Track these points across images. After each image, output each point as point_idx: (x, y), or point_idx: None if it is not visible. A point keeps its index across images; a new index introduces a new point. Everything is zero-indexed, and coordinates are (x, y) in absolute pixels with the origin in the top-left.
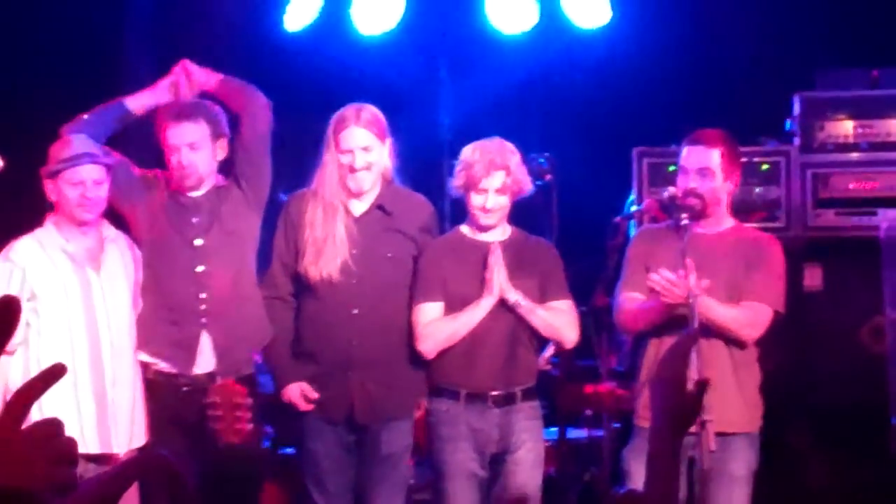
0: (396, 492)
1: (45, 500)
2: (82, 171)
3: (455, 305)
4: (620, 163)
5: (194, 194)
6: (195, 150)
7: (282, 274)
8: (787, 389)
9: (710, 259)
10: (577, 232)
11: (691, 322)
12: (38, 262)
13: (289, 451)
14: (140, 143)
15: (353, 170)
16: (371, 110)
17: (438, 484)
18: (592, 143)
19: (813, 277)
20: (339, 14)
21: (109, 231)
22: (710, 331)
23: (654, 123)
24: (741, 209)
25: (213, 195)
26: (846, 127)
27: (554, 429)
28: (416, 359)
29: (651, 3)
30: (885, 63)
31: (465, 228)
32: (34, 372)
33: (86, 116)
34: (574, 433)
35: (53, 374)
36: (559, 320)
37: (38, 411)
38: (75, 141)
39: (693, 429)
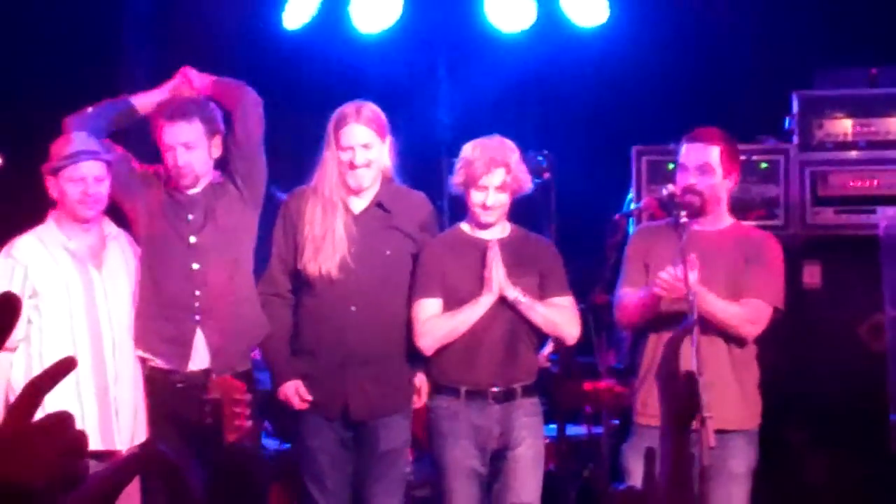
0: (394, 488)
1: (54, 494)
2: (83, 168)
3: (454, 302)
4: (619, 161)
5: (191, 192)
6: (190, 149)
7: (281, 271)
8: (787, 387)
9: (709, 256)
10: (575, 230)
11: (690, 317)
12: (39, 260)
13: (286, 447)
14: (139, 139)
15: (352, 167)
16: (372, 108)
17: (439, 481)
18: (591, 141)
19: (812, 275)
20: (338, 12)
21: (111, 228)
22: (710, 328)
23: (653, 122)
24: (740, 207)
25: (209, 192)
26: (845, 125)
27: (553, 426)
28: (413, 356)
29: (649, 1)
30: (884, 61)
31: (464, 226)
32: (36, 369)
33: (90, 109)
34: (573, 430)
35: (63, 367)
36: (559, 317)
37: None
38: (76, 138)
39: (693, 426)
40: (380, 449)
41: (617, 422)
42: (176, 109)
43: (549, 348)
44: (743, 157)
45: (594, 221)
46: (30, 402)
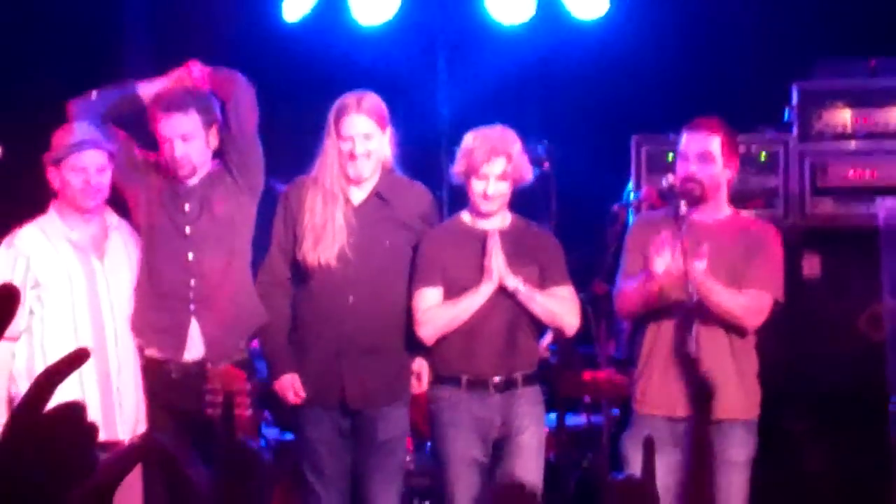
0: (392, 478)
1: (65, 483)
2: (85, 158)
3: (454, 291)
4: (619, 151)
5: (189, 182)
6: (187, 140)
7: (280, 261)
8: (786, 377)
9: (710, 246)
10: (575, 220)
11: (690, 305)
12: (42, 251)
13: (287, 436)
14: (139, 126)
15: (353, 157)
16: (372, 98)
17: (440, 470)
18: (591, 131)
19: (811, 266)
20: (338, 4)
21: (112, 219)
22: (711, 318)
23: (653, 112)
24: (739, 197)
25: (207, 182)
26: (844, 116)
27: (553, 415)
28: (410, 347)
29: None
30: (883, 52)
31: (465, 215)
32: (38, 359)
33: (94, 94)
34: (573, 419)
35: (77, 358)
36: (559, 307)
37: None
38: (78, 128)
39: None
40: (378, 438)
41: (616, 411)
42: (172, 101)
43: (548, 338)
44: (742, 148)
45: (594, 211)
46: (42, 392)
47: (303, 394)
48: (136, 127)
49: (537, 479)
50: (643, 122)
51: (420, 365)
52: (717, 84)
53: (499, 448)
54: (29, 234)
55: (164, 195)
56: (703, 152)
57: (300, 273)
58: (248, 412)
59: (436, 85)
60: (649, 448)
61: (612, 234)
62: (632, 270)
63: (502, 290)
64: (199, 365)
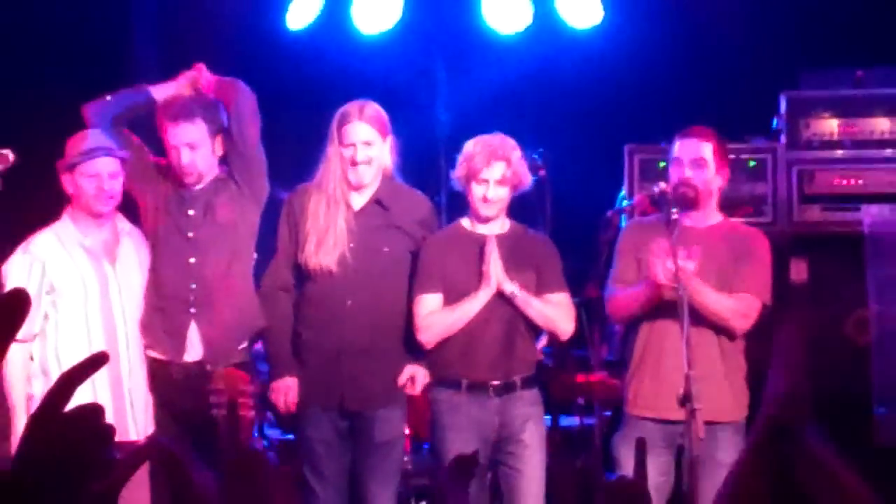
0: (390, 478)
1: (84, 481)
2: (98, 164)
3: (454, 297)
4: (612, 159)
5: (195, 188)
6: (194, 148)
7: (285, 265)
8: None
9: (701, 251)
10: (569, 226)
11: (681, 308)
12: (56, 257)
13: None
14: (151, 131)
15: (354, 163)
16: (374, 107)
17: (439, 469)
18: (585, 139)
19: (799, 271)
20: (340, 13)
21: (124, 224)
22: (702, 322)
23: (645, 121)
24: (729, 204)
25: (211, 188)
26: (831, 125)
27: (547, 417)
28: (408, 350)
29: (642, 4)
30: (869, 63)
31: (465, 221)
32: (52, 363)
33: (109, 97)
34: (566, 421)
35: (95, 361)
36: (555, 312)
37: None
38: (92, 135)
39: (682, 418)
40: (376, 439)
41: (609, 413)
42: (179, 110)
43: (542, 341)
44: (732, 156)
45: (588, 218)
46: (61, 393)
47: (294, 401)
48: (148, 131)
49: (541, 474)
50: (636, 131)
51: (413, 369)
52: (707, 94)
53: (501, 449)
54: (44, 241)
55: (171, 200)
56: (697, 158)
57: (302, 277)
58: (251, 413)
59: (435, 92)
60: (641, 449)
61: (605, 239)
62: (623, 275)
63: (500, 296)
64: (199, 366)
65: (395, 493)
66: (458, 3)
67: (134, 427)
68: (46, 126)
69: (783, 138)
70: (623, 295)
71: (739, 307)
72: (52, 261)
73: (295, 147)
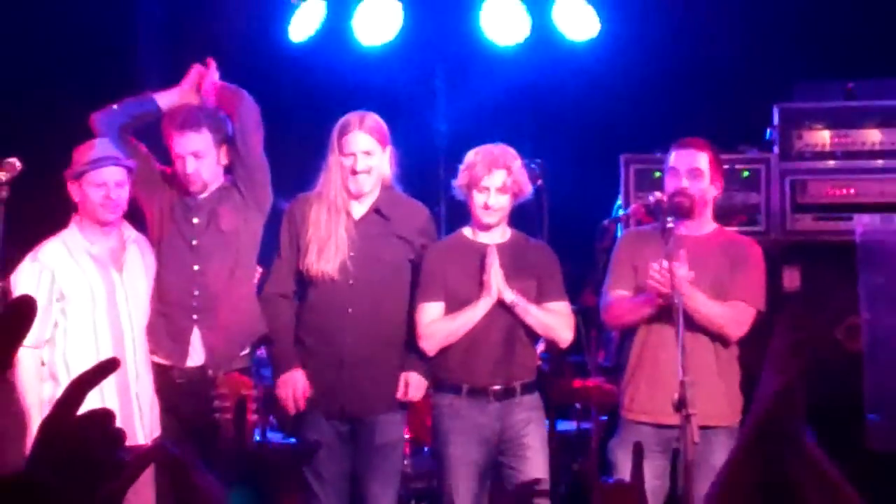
0: (390, 481)
1: (95, 483)
2: (105, 173)
3: (456, 305)
4: (608, 169)
5: (199, 196)
6: (199, 158)
7: (286, 273)
8: None
9: (695, 260)
10: (567, 234)
11: (677, 316)
12: (65, 265)
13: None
14: (157, 139)
15: (354, 172)
16: (374, 117)
17: (441, 474)
18: (582, 149)
19: (791, 279)
20: (341, 26)
21: (130, 232)
22: (697, 328)
23: (641, 131)
24: (723, 214)
25: (216, 196)
26: (823, 136)
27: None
28: (408, 357)
29: (637, 17)
30: (860, 76)
31: (466, 230)
32: (61, 369)
33: (115, 106)
34: (563, 425)
35: (107, 366)
36: (554, 320)
37: None
38: (99, 144)
39: (678, 422)
40: (376, 443)
41: (605, 418)
42: (185, 119)
43: (540, 347)
44: (726, 166)
45: (584, 226)
46: (75, 397)
47: (304, 392)
48: (153, 139)
49: (544, 475)
50: (631, 141)
51: (407, 376)
52: (701, 105)
53: (503, 451)
54: (52, 249)
55: (176, 208)
56: (693, 168)
57: (303, 284)
58: (254, 417)
59: (434, 103)
60: (638, 454)
61: (601, 248)
62: (619, 283)
63: (500, 304)
64: (201, 371)
65: (396, 495)
66: (458, 15)
67: (141, 431)
68: (53, 135)
69: (776, 149)
70: (620, 304)
71: (734, 314)
72: (60, 269)
73: (297, 157)
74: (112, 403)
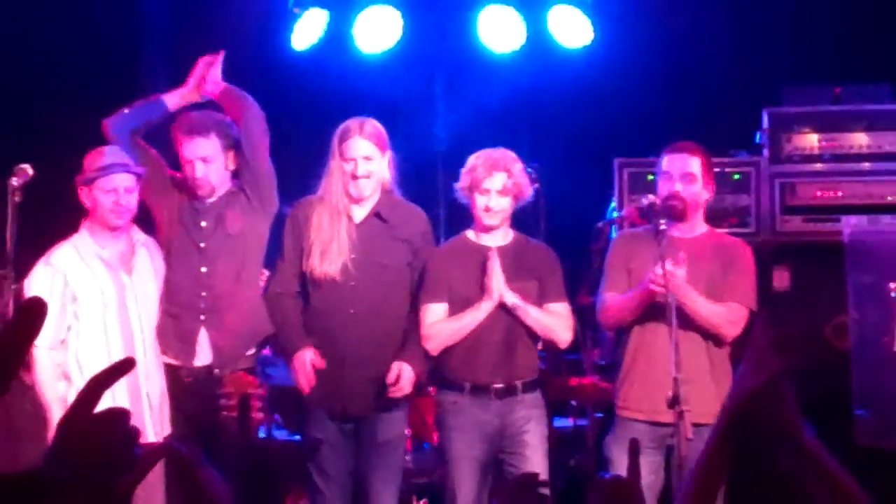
0: (392, 476)
1: (112, 478)
2: (115, 180)
3: (459, 305)
4: (602, 172)
5: (207, 200)
6: (207, 162)
7: (290, 274)
8: None
9: (689, 261)
10: (562, 236)
11: (669, 314)
12: (76, 268)
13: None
14: (167, 144)
15: (354, 177)
16: (373, 123)
17: (445, 470)
18: (577, 154)
19: (781, 279)
20: (343, 34)
21: (139, 236)
22: (690, 327)
23: (634, 136)
24: (715, 216)
25: (223, 200)
26: (811, 140)
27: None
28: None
29: (630, 24)
30: (847, 80)
31: (469, 233)
32: (74, 370)
33: (126, 110)
34: (560, 422)
35: (124, 366)
36: (554, 322)
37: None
38: (109, 151)
39: (671, 419)
40: (378, 440)
41: (600, 415)
42: (194, 125)
43: (538, 346)
44: (717, 169)
45: (580, 229)
46: (91, 396)
47: (318, 364)
48: (163, 144)
49: (543, 473)
50: (625, 145)
51: (399, 366)
52: (693, 110)
53: (504, 448)
54: (64, 253)
55: (184, 211)
56: (687, 172)
57: (305, 286)
58: (260, 415)
59: (433, 109)
60: (635, 450)
61: (596, 249)
62: (613, 284)
63: (502, 305)
64: (208, 370)
65: (398, 490)
66: (455, 23)
67: (152, 429)
68: (64, 142)
69: (766, 152)
70: (613, 303)
71: (730, 315)
72: (72, 272)
73: (300, 161)
74: (123, 402)
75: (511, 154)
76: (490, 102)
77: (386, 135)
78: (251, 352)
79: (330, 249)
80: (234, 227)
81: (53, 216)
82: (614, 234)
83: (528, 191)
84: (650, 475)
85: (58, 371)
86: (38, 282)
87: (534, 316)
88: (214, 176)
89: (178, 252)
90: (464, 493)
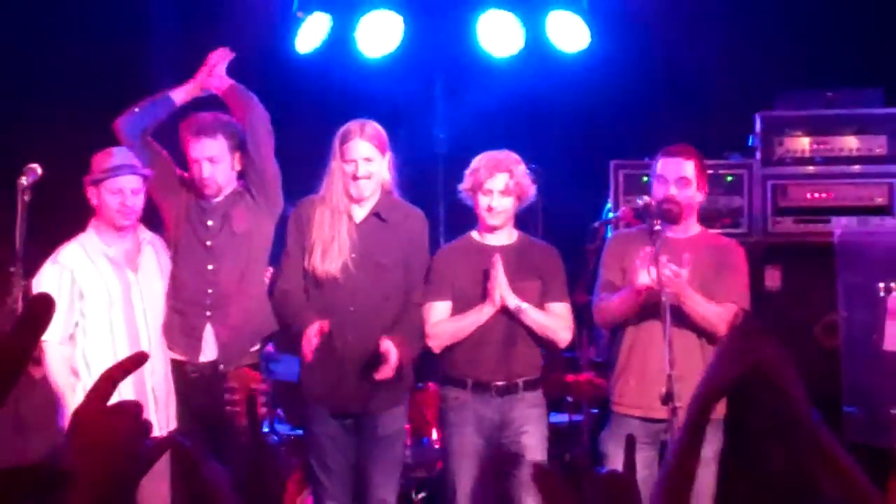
0: (392, 470)
1: (128, 469)
2: (122, 181)
3: (462, 303)
4: (598, 174)
5: (213, 200)
6: (214, 163)
7: (295, 270)
8: (749, 379)
9: (683, 261)
10: (559, 236)
11: (663, 312)
12: (83, 266)
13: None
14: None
15: (355, 177)
16: (374, 125)
17: (447, 462)
18: (573, 155)
19: (773, 279)
20: (345, 38)
21: (145, 234)
22: (685, 325)
23: (629, 138)
24: (708, 217)
25: (229, 200)
26: (803, 143)
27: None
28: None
29: (626, 29)
30: (838, 85)
31: (474, 233)
32: (81, 365)
33: (136, 108)
34: (556, 418)
35: (136, 359)
36: (554, 323)
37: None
38: (117, 153)
39: (665, 415)
40: (378, 435)
41: (596, 411)
42: (202, 126)
43: None
44: (711, 171)
45: (576, 228)
46: (105, 388)
47: (323, 331)
48: (170, 145)
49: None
50: (621, 148)
51: (388, 345)
52: (687, 114)
53: (503, 447)
54: (71, 251)
55: (192, 210)
56: (682, 177)
57: (309, 282)
58: (263, 410)
59: (434, 111)
60: (630, 445)
61: (592, 249)
62: (608, 283)
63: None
64: (213, 366)
65: (398, 483)
66: (455, 28)
67: (157, 424)
68: (72, 142)
69: (758, 155)
70: (608, 303)
71: (725, 314)
72: (79, 270)
73: (303, 162)
74: (128, 396)
75: (514, 155)
76: (489, 105)
77: (386, 137)
78: (255, 348)
79: (331, 248)
80: (239, 225)
81: (62, 215)
82: (609, 234)
83: (531, 191)
84: (644, 470)
85: (67, 364)
86: (46, 279)
87: (534, 318)
88: (221, 176)
89: (185, 250)
90: (463, 487)
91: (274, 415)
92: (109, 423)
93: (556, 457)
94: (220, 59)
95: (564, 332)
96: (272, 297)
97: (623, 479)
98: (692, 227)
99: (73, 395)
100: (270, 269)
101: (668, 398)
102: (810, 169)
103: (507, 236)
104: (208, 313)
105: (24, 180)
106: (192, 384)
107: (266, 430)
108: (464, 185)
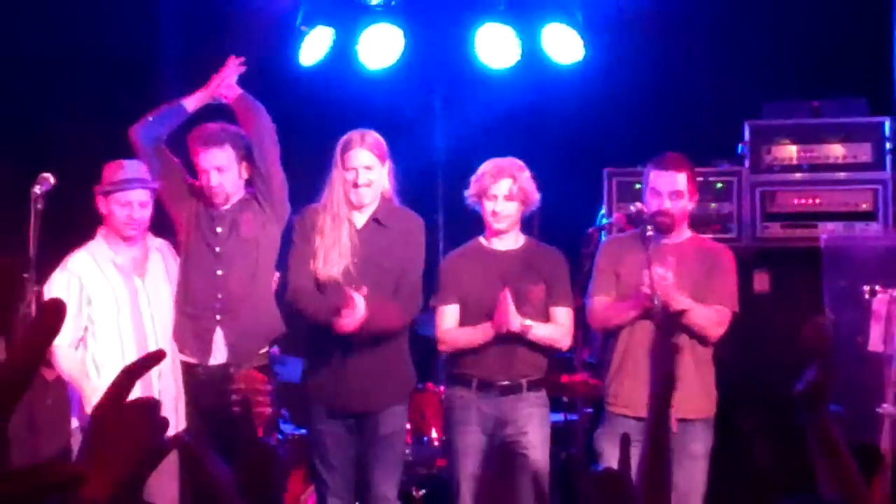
0: (393, 467)
1: (143, 466)
2: (131, 195)
3: (469, 307)
4: (592, 181)
5: (222, 207)
6: (222, 172)
7: (303, 272)
8: (739, 380)
9: (675, 266)
10: (555, 241)
11: (656, 316)
12: (91, 273)
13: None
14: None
15: (355, 185)
16: (374, 135)
17: (451, 459)
18: (568, 163)
19: (761, 283)
20: (347, 51)
21: (153, 241)
22: (679, 328)
23: (622, 147)
24: (699, 222)
25: (237, 207)
26: (790, 151)
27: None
28: (406, 355)
29: (619, 42)
30: (824, 95)
31: (481, 239)
32: (91, 369)
33: (151, 117)
34: (552, 417)
35: (153, 358)
36: (555, 333)
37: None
38: (128, 166)
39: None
40: (379, 433)
41: (590, 410)
42: (210, 137)
43: None
44: (701, 179)
45: (571, 234)
46: (124, 386)
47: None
48: (180, 154)
49: (543, 471)
50: (614, 155)
51: (359, 299)
52: (678, 123)
53: (505, 446)
54: (79, 259)
55: (201, 218)
56: (675, 190)
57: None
58: (268, 410)
59: (433, 121)
60: (626, 444)
61: (586, 253)
62: (602, 287)
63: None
64: (224, 368)
65: (399, 481)
66: (454, 41)
67: None
68: (84, 152)
69: (747, 162)
70: (605, 310)
71: (716, 317)
72: (87, 276)
73: (307, 170)
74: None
75: (518, 162)
76: (486, 115)
77: (386, 146)
78: (264, 350)
79: (332, 253)
80: (247, 232)
81: (74, 222)
82: (603, 239)
83: (535, 196)
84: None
85: (82, 363)
86: (56, 286)
87: (539, 335)
88: (229, 184)
89: (195, 256)
90: (466, 484)
91: (278, 414)
92: (128, 418)
93: (552, 455)
94: (232, 69)
95: (566, 339)
96: (283, 297)
97: (619, 475)
98: (683, 233)
99: (87, 379)
100: (277, 275)
101: None
102: (797, 176)
103: (513, 241)
104: (218, 317)
105: (37, 189)
106: (202, 386)
107: (270, 429)
108: (470, 192)
